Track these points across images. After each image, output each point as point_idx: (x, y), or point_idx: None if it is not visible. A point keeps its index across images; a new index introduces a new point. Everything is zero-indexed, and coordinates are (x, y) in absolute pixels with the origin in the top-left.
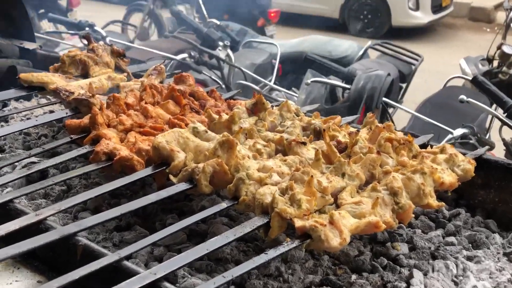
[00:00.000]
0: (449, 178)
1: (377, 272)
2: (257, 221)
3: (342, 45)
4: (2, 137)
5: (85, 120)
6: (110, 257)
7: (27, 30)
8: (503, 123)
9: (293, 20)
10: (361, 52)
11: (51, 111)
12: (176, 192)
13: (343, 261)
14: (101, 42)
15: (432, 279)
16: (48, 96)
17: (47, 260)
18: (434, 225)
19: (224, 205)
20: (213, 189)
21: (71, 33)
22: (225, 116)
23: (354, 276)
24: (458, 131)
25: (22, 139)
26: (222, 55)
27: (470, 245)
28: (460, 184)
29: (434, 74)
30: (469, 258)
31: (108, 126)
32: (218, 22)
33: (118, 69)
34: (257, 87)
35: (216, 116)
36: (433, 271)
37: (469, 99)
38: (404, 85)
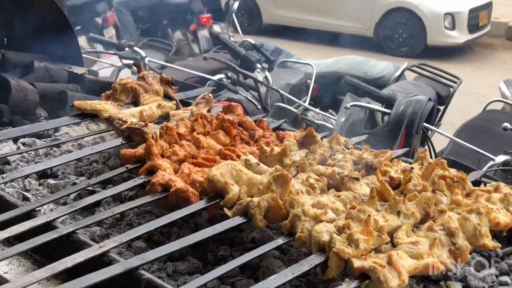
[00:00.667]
0: (504, 218)
1: None
2: (314, 259)
3: (378, 65)
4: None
5: (140, 150)
6: None
7: (76, 54)
8: None
9: (327, 38)
10: (397, 73)
11: (102, 138)
12: (232, 226)
13: None
14: (151, 71)
15: None
16: (98, 122)
17: None
18: (487, 263)
19: (280, 241)
20: (267, 223)
21: (111, 53)
22: (276, 149)
23: None
24: (500, 158)
25: (74, 165)
26: (260, 77)
27: None
28: None
29: (471, 95)
30: None
31: (162, 156)
32: (253, 41)
33: (167, 96)
34: (294, 109)
35: (267, 149)
36: None
37: None
38: (442, 108)
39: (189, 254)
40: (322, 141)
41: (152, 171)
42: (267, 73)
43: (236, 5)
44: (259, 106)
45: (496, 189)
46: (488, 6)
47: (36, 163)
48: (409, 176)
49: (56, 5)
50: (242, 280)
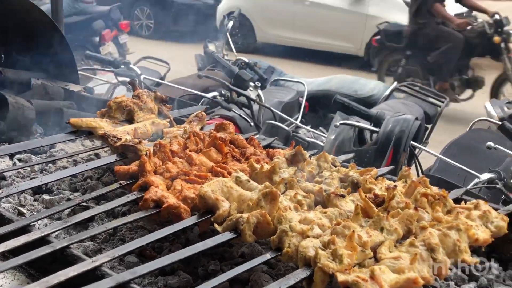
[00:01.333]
0: (483, 234)
1: None
2: (300, 274)
3: (368, 84)
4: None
5: (133, 166)
6: None
7: (72, 72)
8: None
9: (319, 57)
10: (387, 92)
11: (96, 154)
12: (221, 242)
13: None
14: (146, 90)
15: None
16: (93, 139)
17: None
18: (467, 278)
19: (268, 256)
20: (255, 239)
21: (107, 70)
22: (266, 166)
23: None
24: (485, 176)
25: (69, 181)
26: (253, 95)
27: None
28: (493, 240)
29: (459, 114)
30: None
31: (155, 172)
32: (246, 60)
33: (161, 114)
34: (285, 127)
35: (257, 166)
36: None
37: (497, 146)
38: (429, 126)
39: (180, 268)
40: (310, 159)
41: (145, 187)
42: (259, 91)
43: (230, 24)
44: (252, 123)
45: (476, 207)
46: None
47: (31, 179)
48: (393, 194)
49: (53, 23)
50: None
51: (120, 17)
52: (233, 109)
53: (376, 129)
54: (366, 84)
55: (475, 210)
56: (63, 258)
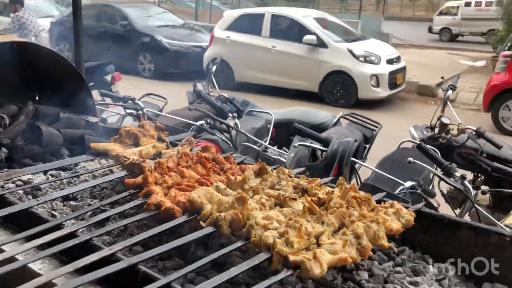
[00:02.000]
0: (396, 226)
1: None
2: (263, 256)
3: (320, 114)
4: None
5: (139, 179)
6: (162, 281)
7: (91, 107)
8: (440, 178)
9: (283, 93)
10: (335, 120)
11: (111, 170)
12: (205, 234)
13: (322, 283)
14: (148, 121)
15: None
16: (108, 159)
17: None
18: (387, 258)
19: (239, 244)
20: (231, 231)
21: (117, 104)
22: (239, 178)
23: None
24: (408, 183)
25: (89, 191)
26: (231, 123)
27: (412, 273)
28: (404, 230)
29: (391, 137)
30: (411, 283)
31: (155, 183)
32: (226, 96)
33: (160, 139)
34: (257, 147)
35: (232, 178)
36: None
37: (415, 161)
38: (368, 146)
39: (174, 255)
40: (272, 172)
41: (148, 194)
42: (237, 120)
43: (214, 68)
44: (231, 145)
45: (391, 206)
46: (403, 70)
47: (61, 189)
48: (331, 197)
49: (76, 70)
50: (212, 273)
51: (113, 70)
52: (216, 134)
53: (325, 149)
54: (318, 114)
55: (391, 208)
56: (87, 248)
